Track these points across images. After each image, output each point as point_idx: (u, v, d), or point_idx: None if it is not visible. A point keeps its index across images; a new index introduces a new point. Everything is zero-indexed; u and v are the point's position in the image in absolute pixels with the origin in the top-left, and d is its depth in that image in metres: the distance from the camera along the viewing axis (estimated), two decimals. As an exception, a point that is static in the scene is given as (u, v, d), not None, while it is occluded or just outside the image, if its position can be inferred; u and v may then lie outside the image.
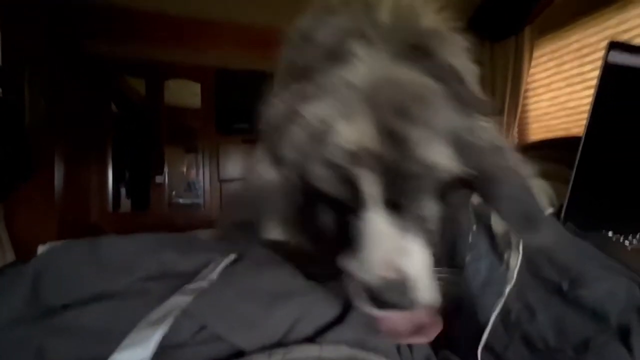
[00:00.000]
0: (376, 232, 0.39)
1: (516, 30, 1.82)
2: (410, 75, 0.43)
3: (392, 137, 0.39)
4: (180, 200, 4.12)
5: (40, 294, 0.37)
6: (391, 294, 0.36)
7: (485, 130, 0.46)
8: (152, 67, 2.42)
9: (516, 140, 2.04)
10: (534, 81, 1.94)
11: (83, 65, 2.14)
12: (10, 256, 1.71)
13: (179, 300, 0.33)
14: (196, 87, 2.56)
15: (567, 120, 1.74)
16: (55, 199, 1.92)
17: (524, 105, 1.94)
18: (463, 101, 0.46)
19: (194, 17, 2.01)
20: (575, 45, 1.67)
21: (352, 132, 0.39)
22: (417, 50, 0.47)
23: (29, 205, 1.80)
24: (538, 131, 1.96)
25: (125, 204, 3.08)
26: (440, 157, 0.40)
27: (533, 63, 1.86)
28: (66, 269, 0.39)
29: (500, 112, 1.94)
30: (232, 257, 0.45)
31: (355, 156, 0.38)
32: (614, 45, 0.67)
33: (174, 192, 3.38)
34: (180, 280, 0.39)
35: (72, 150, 2.02)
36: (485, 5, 1.93)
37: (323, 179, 0.40)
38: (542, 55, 1.88)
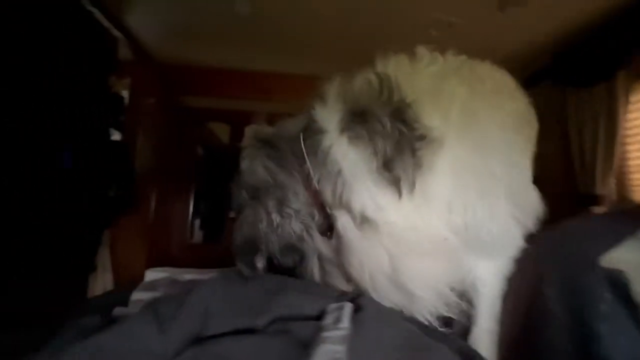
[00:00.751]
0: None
1: (607, 76, 1.71)
2: None
3: None
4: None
5: (193, 324, 0.42)
6: None
7: None
8: (235, 115, 2.74)
9: (615, 192, 1.81)
10: (634, 127, 1.75)
11: (179, 116, 2.51)
12: (109, 277, 1.93)
13: (331, 349, 0.35)
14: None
15: (682, 171, 1.52)
16: (148, 231, 2.16)
17: (622, 154, 1.75)
18: None
19: (270, 71, 2.28)
20: (686, 90, 1.50)
21: None
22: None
23: (128, 234, 2.06)
24: (643, 183, 1.73)
25: (198, 235, 3.35)
26: None
27: (630, 108, 1.69)
28: (214, 304, 0.44)
29: (592, 163, 1.77)
30: (350, 305, 0.46)
31: None
32: None
33: None
34: (310, 322, 0.42)
35: (165, 190, 2.31)
36: (568, 53, 1.87)
37: None
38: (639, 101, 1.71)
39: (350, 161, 0.63)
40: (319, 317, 0.44)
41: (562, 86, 1.99)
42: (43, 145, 1.17)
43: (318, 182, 0.65)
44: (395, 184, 0.61)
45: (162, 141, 2.19)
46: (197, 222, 3.32)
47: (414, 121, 0.62)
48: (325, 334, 0.38)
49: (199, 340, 0.40)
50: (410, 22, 1.69)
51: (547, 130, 2.15)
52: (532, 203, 0.72)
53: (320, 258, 0.69)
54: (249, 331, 0.40)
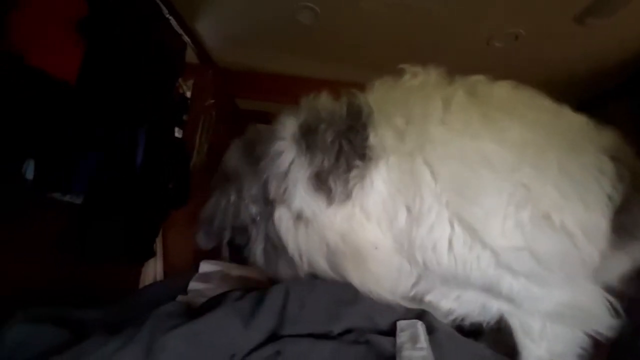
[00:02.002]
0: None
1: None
2: None
3: None
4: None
5: (271, 323, 0.43)
6: None
7: None
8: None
9: None
10: None
11: (234, 117, 2.63)
12: (160, 265, 2.07)
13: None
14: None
15: None
16: (196, 224, 2.28)
17: None
18: None
19: (321, 78, 2.32)
20: None
21: None
22: None
23: (178, 225, 2.18)
24: None
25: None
26: None
27: None
28: (290, 307, 0.45)
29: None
30: (421, 324, 0.46)
31: None
32: None
33: None
34: (386, 337, 0.41)
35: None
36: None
37: None
38: None
39: (294, 167, 0.76)
40: (391, 331, 0.44)
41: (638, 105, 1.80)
42: (122, 141, 1.29)
43: (267, 178, 0.80)
44: (327, 193, 0.71)
45: (217, 139, 2.31)
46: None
47: (361, 139, 0.72)
48: (406, 352, 0.37)
49: (276, 337, 0.42)
50: (471, 34, 1.64)
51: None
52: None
53: (268, 242, 0.81)
54: (324, 336, 0.40)
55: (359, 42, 1.80)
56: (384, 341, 0.39)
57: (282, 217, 0.78)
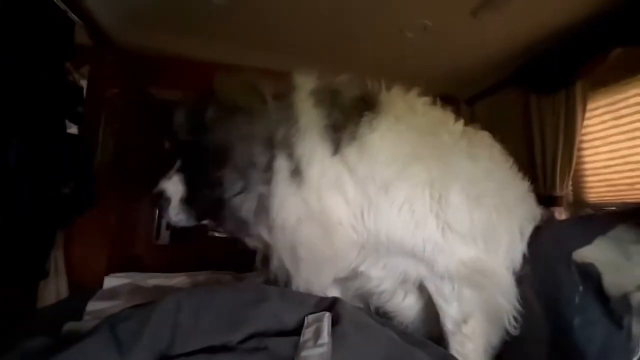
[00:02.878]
0: None
1: (566, 84, 1.82)
2: None
3: None
4: (216, 234, 4.13)
5: (158, 343, 0.37)
6: None
7: None
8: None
9: (572, 194, 1.94)
10: (589, 133, 1.88)
11: (146, 107, 2.35)
12: (63, 282, 1.78)
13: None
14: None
15: (631, 175, 1.65)
16: (109, 231, 2.02)
17: (579, 157, 1.87)
18: None
19: (244, 64, 2.20)
20: (636, 99, 1.62)
21: None
22: None
23: (85, 235, 1.90)
24: (597, 185, 1.86)
25: (165, 235, 3.18)
26: None
27: (587, 115, 1.82)
28: (184, 319, 0.40)
29: (553, 166, 1.88)
30: (328, 315, 0.44)
31: None
32: None
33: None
34: (288, 337, 0.39)
35: (129, 187, 2.16)
36: (531, 60, 1.96)
37: None
38: (596, 108, 1.84)
39: (308, 116, 0.84)
40: (298, 328, 0.41)
41: (526, 92, 2.09)
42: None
43: (279, 121, 0.84)
44: (335, 142, 0.83)
45: (127, 134, 2.04)
46: (164, 222, 3.16)
47: (371, 108, 0.87)
48: (305, 352, 0.35)
49: (165, 359, 0.36)
50: (386, 24, 1.70)
51: (513, 133, 2.25)
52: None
53: (260, 197, 0.84)
54: (224, 348, 0.36)
55: (274, 26, 1.73)
56: (283, 344, 0.37)
57: (281, 167, 0.82)
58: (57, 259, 1.73)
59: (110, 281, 1.13)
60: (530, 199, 1.02)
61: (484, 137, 1.04)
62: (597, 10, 1.53)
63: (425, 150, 0.86)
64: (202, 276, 1.45)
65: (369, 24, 1.71)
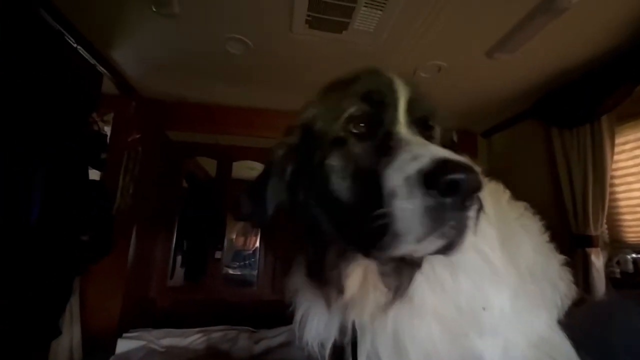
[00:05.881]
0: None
1: (591, 118, 1.76)
2: None
3: None
4: (230, 271, 4.05)
5: None
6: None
7: None
8: (222, 149, 2.67)
9: (607, 233, 1.81)
10: (620, 169, 1.78)
11: (165, 150, 2.42)
12: (77, 329, 1.74)
13: None
14: (254, 164, 2.73)
15: (672, 214, 1.53)
16: (125, 274, 2.00)
17: (612, 194, 1.77)
18: None
19: (256, 107, 2.25)
20: (668, 135, 1.55)
21: None
22: None
23: (101, 279, 1.89)
24: (634, 224, 1.74)
25: (179, 272, 3.14)
26: None
27: (616, 150, 1.74)
28: None
29: (584, 204, 1.77)
30: None
31: None
32: None
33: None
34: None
35: (145, 228, 2.17)
36: (552, 94, 1.93)
37: None
38: (625, 142, 1.76)
39: None
40: None
41: (547, 125, 2.03)
42: (12, 192, 1.06)
43: None
44: None
45: (146, 177, 2.08)
46: (179, 259, 3.14)
47: None
48: None
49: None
50: (401, 65, 1.72)
51: (534, 166, 2.17)
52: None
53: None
54: None
55: (291, 71, 1.78)
56: None
57: None
58: (72, 306, 1.71)
59: (123, 344, 1.07)
60: (567, 274, 0.95)
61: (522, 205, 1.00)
62: (619, 46, 1.50)
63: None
64: (217, 333, 1.39)
65: (383, 64, 1.73)
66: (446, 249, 0.51)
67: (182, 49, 1.67)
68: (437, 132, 0.69)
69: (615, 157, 1.75)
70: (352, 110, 0.61)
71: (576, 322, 0.75)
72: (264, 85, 1.99)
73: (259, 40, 1.56)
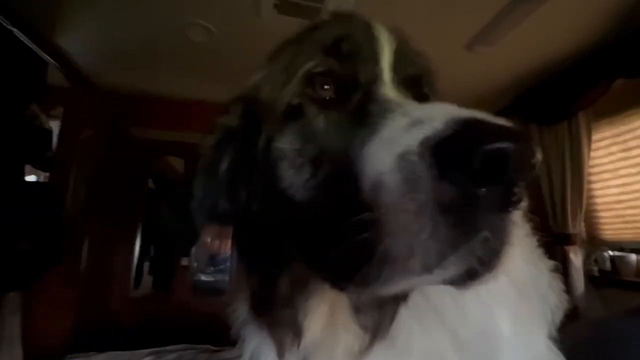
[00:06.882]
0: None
1: (568, 115, 1.74)
2: None
3: None
4: (203, 277, 3.85)
5: None
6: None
7: None
8: (190, 148, 2.50)
9: (585, 231, 1.79)
10: (596, 165, 1.77)
11: (127, 149, 2.22)
12: (17, 353, 1.54)
13: None
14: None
15: (648, 211, 1.53)
16: (78, 286, 1.80)
17: (589, 191, 1.75)
18: None
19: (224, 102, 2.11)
20: (643, 131, 1.54)
21: None
22: None
23: (50, 292, 1.69)
24: (611, 221, 1.73)
25: (147, 280, 2.92)
26: None
27: (592, 147, 1.72)
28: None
29: (562, 202, 1.75)
30: None
31: None
32: None
33: (195, 264, 3.16)
34: None
35: (102, 234, 1.97)
36: (530, 90, 1.90)
37: None
38: (602, 139, 1.75)
39: None
40: None
41: (525, 122, 2.01)
42: None
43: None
44: None
45: (102, 177, 1.89)
46: (146, 266, 2.93)
47: None
48: None
49: None
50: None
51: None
52: None
53: None
54: None
55: (260, 61, 1.65)
56: None
57: None
58: (12, 325, 1.51)
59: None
60: (558, 282, 0.83)
61: None
62: (597, 42, 1.47)
63: None
64: (171, 354, 1.24)
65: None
66: (469, 278, 0.30)
67: (139, 34, 1.51)
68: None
69: (592, 154, 1.74)
70: (310, 65, 0.41)
71: (577, 341, 0.66)
72: (232, 77, 1.84)
73: (224, 27, 1.43)
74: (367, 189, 0.30)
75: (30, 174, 1.51)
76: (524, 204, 0.28)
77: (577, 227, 1.73)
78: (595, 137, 1.73)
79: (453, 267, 0.29)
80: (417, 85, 0.46)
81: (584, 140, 1.70)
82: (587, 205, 1.75)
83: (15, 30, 1.35)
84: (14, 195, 1.25)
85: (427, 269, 0.28)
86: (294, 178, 0.39)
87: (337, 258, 0.32)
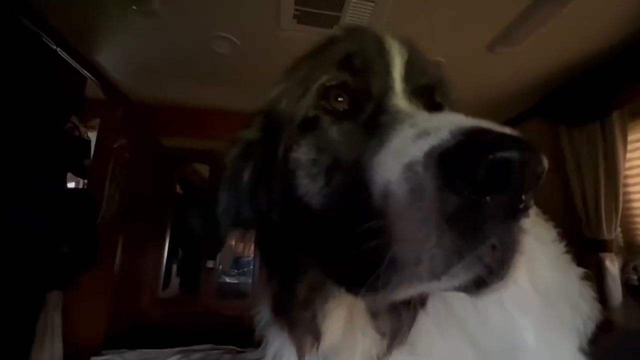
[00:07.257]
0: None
1: (601, 115, 1.65)
2: None
3: None
4: (227, 279, 3.96)
5: None
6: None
7: None
8: (215, 155, 2.59)
9: (621, 237, 1.69)
10: (633, 167, 1.67)
11: (155, 157, 2.34)
12: (58, 345, 1.65)
13: None
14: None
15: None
16: (111, 286, 1.91)
17: (626, 195, 1.65)
18: None
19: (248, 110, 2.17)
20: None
21: None
22: None
23: (86, 292, 1.80)
24: (651, 227, 1.62)
25: (175, 282, 3.04)
26: None
27: (629, 148, 1.63)
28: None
29: (596, 206, 1.66)
30: None
31: None
32: None
33: (220, 266, 3.25)
34: None
35: (134, 237, 2.08)
36: (558, 90, 1.83)
37: None
38: (638, 140, 1.65)
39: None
40: None
41: (553, 124, 1.93)
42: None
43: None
44: None
45: (134, 184, 2.00)
46: (174, 268, 3.05)
47: None
48: None
49: None
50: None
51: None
52: None
53: None
54: None
55: (282, 70, 1.70)
56: None
57: None
58: (54, 321, 1.62)
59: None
60: (589, 290, 0.79)
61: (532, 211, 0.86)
62: (631, 35, 1.40)
63: None
64: (197, 354, 1.29)
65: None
66: (479, 286, 0.31)
67: (168, 49, 1.60)
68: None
69: (628, 156, 1.64)
70: (324, 79, 0.43)
71: (611, 354, 0.62)
72: (255, 87, 1.91)
73: (247, 38, 1.49)
74: (377, 198, 0.31)
75: (70, 181, 1.63)
76: (534, 209, 0.29)
77: (613, 233, 1.63)
78: (630, 137, 1.63)
79: (461, 275, 0.30)
80: (430, 94, 0.48)
81: (619, 141, 1.61)
82: (624, 210, 1.65)
83: (58, 49, 1.48)
84: (56, 201, 1.36)
85: (434, 276, 0.29)
86: (310, 187, 0.41)
87: (348, 264, 0.34)
